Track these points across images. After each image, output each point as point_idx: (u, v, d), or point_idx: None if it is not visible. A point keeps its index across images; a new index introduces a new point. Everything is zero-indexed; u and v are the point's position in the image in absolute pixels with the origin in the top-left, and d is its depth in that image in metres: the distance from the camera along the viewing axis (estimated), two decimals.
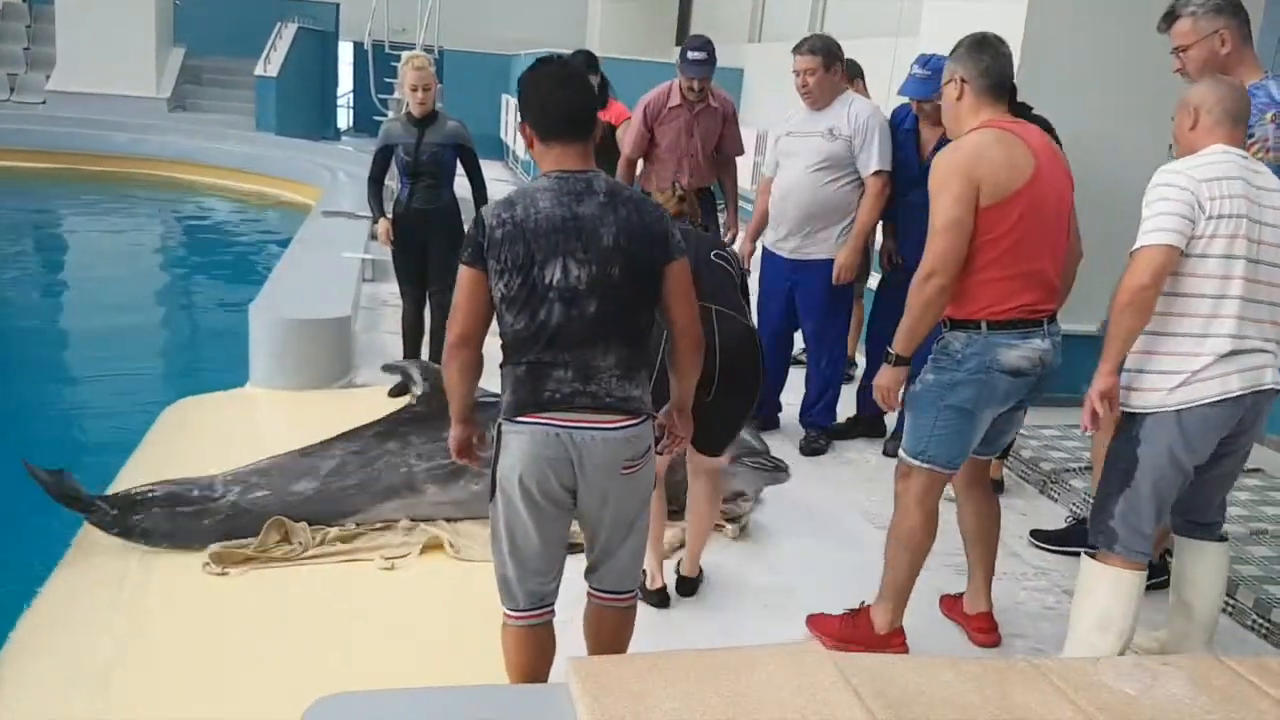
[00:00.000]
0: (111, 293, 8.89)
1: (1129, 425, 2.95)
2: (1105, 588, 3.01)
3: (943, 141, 4.53)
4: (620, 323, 2.44)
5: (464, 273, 2.44)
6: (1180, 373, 2.86)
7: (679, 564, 3.66)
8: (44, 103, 15.75)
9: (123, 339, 7.55)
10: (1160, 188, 2.83)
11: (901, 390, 3.18)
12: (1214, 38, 3.29)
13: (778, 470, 4.30)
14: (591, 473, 2.46)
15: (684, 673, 2.20)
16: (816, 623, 3.41)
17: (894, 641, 3.26)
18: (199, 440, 4.80)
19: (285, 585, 3.59)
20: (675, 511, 3.87)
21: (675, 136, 5.39)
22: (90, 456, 5.13)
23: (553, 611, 2.67)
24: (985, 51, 3.06)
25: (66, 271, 10.33)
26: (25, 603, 3.44)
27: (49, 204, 12.58)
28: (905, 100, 4.81)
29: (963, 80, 3.06)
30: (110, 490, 4.02)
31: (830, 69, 4.73)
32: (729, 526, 4.12)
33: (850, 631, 3.30)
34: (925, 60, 4.53)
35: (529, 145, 2.52)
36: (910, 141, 4.80)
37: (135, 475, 4.48)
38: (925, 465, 3.13)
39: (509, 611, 2.63)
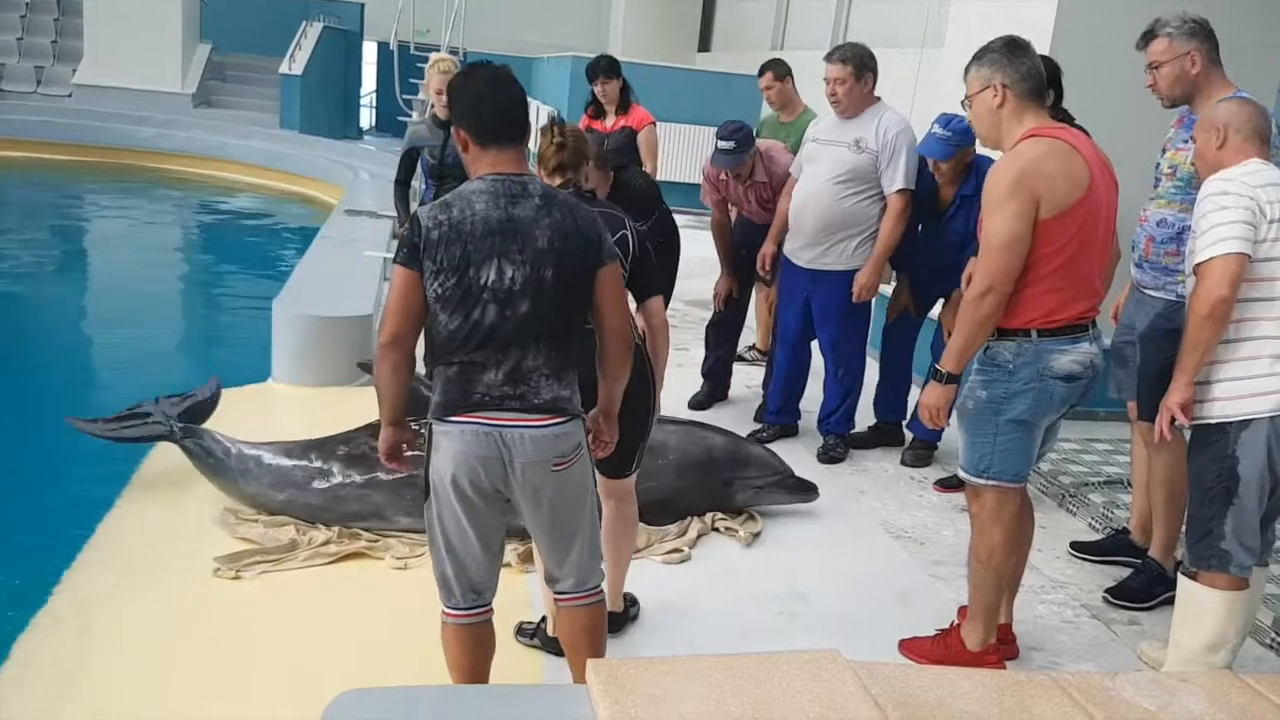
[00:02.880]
0: (134, 287, 8.94)
1: (1219, 440, 2.92)
2: (1220, 610, 2.98)
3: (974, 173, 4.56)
4: (551, 324, 2.48)
5: (398, 273, 2.46)
6: (1269, 375, 2.86)
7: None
8: (70, 96, 15.85)
9: (147, 334, 7.59)
10: (1217, 196, 2.84)
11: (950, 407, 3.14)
12: (1185, 58, 3.51)
13: (806, 490, 4.30)
14: (522, 470, 2.48)
15: (704, 677, 2.21)
16: (910, 646, 3.39)
17: (989, 658, 3.22)
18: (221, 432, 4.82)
19: (297, 586, 3.60)
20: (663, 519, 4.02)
21: (737, 197, 5.41)
22: (114, 447, 5.17)
23: (491, 610, 2.70)
24: (1023, 54, 3.01)
25: (89, 265, 10.38)
26: (39, 604, 3.45)
27: (73, 197, 12.65)
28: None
29: (1003, 85, 2.99)
30: None
31: (861, 79, 4.66)
32: (741, 534, 4.12)
33: (943, 652, 3.27)
34: (947, 121, 4.50)
35: (463, 149, 2.55)
36: (931, 199, 4.77)
37: (158, 466, 4.53)
38: (992, 482, 3.11)
39: (447, 610, 2.66)
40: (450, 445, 2.48)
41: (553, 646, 3.13)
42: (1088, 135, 3.42)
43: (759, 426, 5.29)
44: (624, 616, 3.40)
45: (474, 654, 2.69)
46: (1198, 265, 2.86)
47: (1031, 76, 3.00)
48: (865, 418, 5.30)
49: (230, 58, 17.55)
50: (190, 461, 4.20)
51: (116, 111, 14.86)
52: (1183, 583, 3.08)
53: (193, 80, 16.49)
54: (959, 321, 3.01)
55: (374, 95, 19.28)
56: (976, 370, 3.11)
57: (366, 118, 19.38)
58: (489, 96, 2.50)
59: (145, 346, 7.23)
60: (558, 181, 3.01)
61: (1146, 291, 3.71)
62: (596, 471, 3.10)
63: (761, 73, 6.02)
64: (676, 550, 3.95)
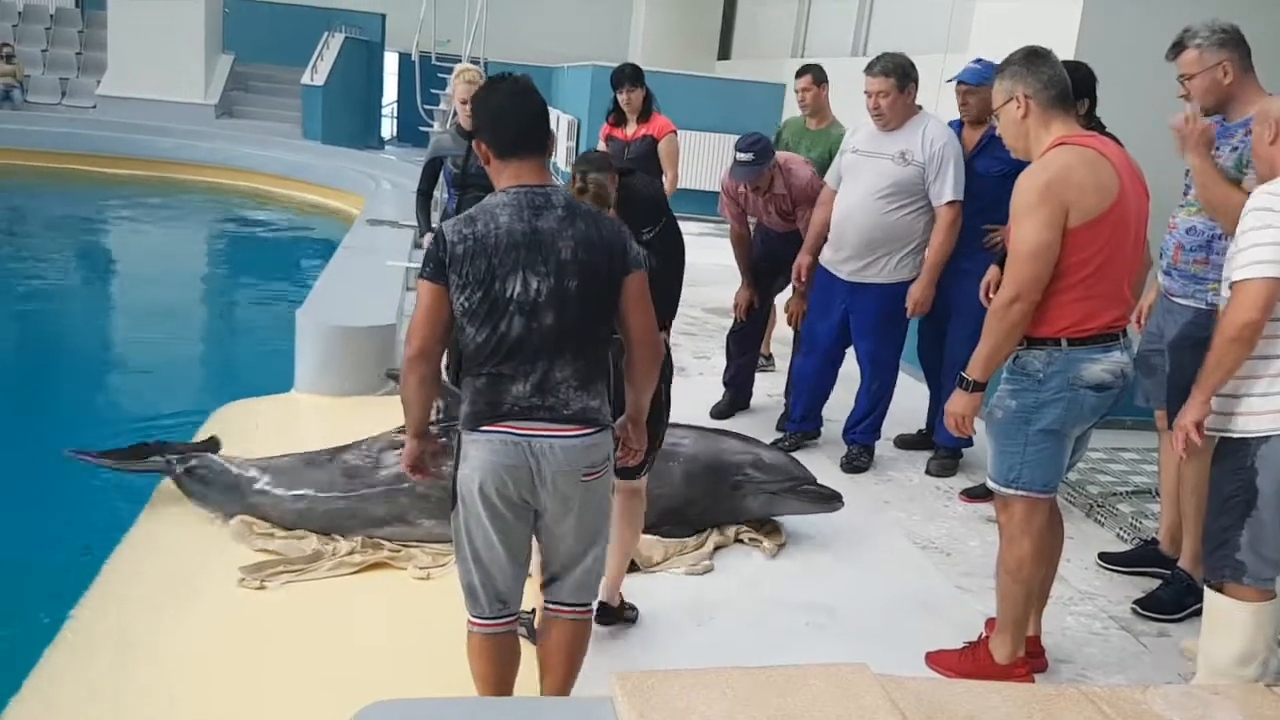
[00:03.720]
0: (157, 297, 9.01)
1: (1240, 452, 2.88)
2: (1246, 621, 2.93)
3: (1001, 156, 4.54)
4: (578, 334, 2.49)
5: (424, 288, 2.48)
6: None
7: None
8: (94, 107, 16.03)
9: (171, 343, 7.65)
10: (1262, 212, 2.77)
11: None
12: (1217, 69, 3.48)
13: (829, 499, 4.22)
14: (552, 480, 2.49)
15: (730, 689, 2.19)
16: (937, 659, 3.36)
17: (1017, 672, 3.18)
18: (245, 444, 4.84)
19: (321, 596, 3.60)
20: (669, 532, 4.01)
21: (757, 209, 5.36)
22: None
23: (517, 619, 2.71)
24: (1043, 63, 3.00)
25: (113, 274, 10.47)
26: (63, 618, 3.46)
27: (97, 207, 12.76)
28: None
29: (1026, 96, 2.98)
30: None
31: (904, 90, 4.58)
32: (765, 545, 4.10)
33: (971, 665, 3.24)
34: (980, 61, 4.57)
35: (485, 162, 2.56)
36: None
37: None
38: (1022, 493, 3.08)
39: (474, 619, 2.66)
40: (479, 455, 2.48)
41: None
42: (1118, 143, 3.40)
43: (780, 435, 5.25)
44: (619, 612, 3.41)
45: (499, 664, 2.69)
46: (1233, 283, 2.82)
47: (1054, 84, 2.98)
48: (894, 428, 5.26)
49: (253, 68, 17.70)
50: (191, 500, 4.18)
51: (140, 122, 15.04)
52: (1209, 595, 3.05)
53: (215, 91, 16.64)
54: (985, 330, 2.98)
55: (395, 105, 19.37)
56: (1006, 379, 3.09)
57: (388, 128, 19.47)
58: (509, 109, 2.51)
59: (169, 357, 7.28)
60: None
61: (1175, 299, 3.68)
62: None
63: (800, 74, 5.98)
64: (697, 562, 3.92)
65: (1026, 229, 2.87)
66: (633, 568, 3.80)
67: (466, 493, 2.52)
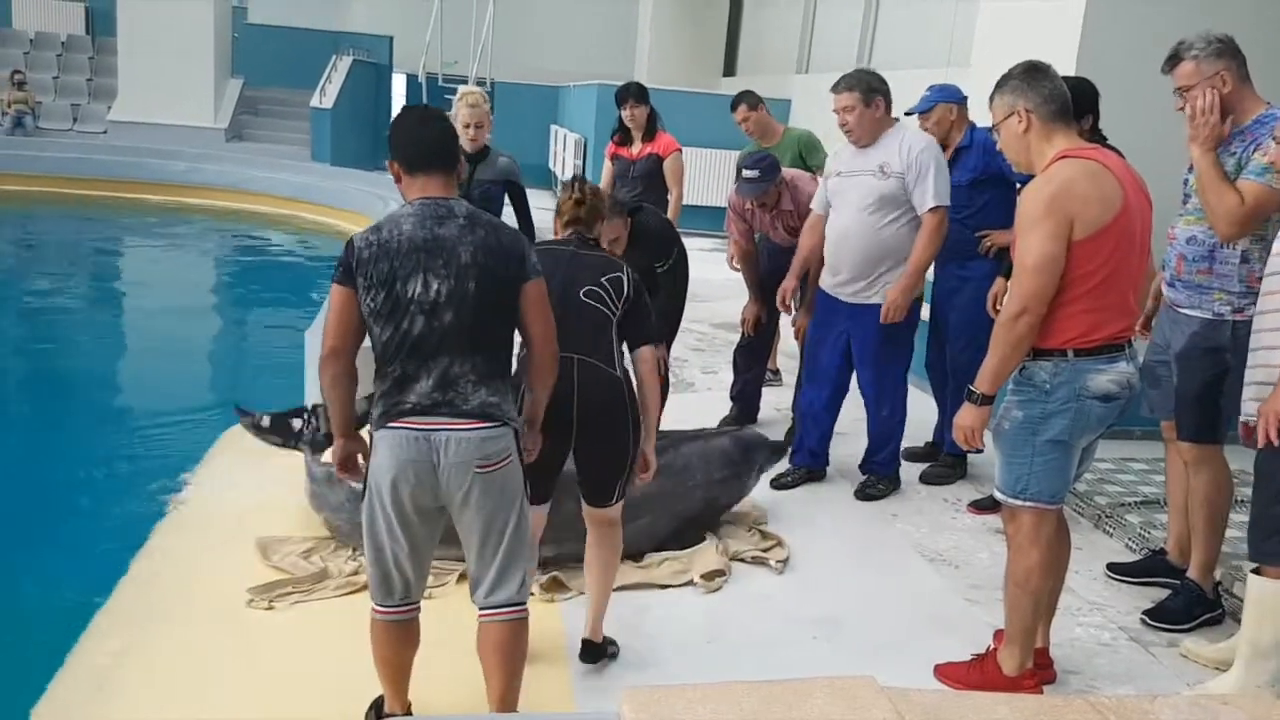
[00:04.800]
0: (169, 318, 9.05)
1: None
2: None
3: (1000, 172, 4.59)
4: (477, 333, 2.65)
5: (334, 291, 2.67)
6: None
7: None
8: (105, 132, 16.14)
9: (183, 364, 7.70)
10: None
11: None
12: (1215, 79, 3.48)
13: (781, 452, 4.51)
14: (447, 470, 2.62)
15: (737, 704, 2.19)
16: (945, 671, 3.36)
17: (1026, 683, 3.18)
18: (257, 464, 4.87)
19: (329, 615, 3.59)
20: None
21: (764, 225, 5.38)
22: (152, 476, 5.23)
23: (418, 607, 2.85)
24: (1043, 77, 3.03)
25: (126, 297, 10.52)
26: (77, 633, 3.49)
27: (108, 231, 12.85)
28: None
29: (1027, 111, 3.00)
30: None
31: (870, 104, 4.52)
32: (772, 562, 4.10)
33: (979, 677, 3.24)
34: (933, 86, 4.85)
35: (397, 180, 2.77)
36: None
37: (197, 494, 4.59)
38: (1030, 503, 3.09)
39: (377, 606, 2.80)
40: (386, 450, 2.64)
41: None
42: (1120, 155, 3.43)
43: (786, 469, 5.01)
44: (603, 649, 3.36)
45: (399, 648, 2.84)
46: None
47: (1055, 98, 3.01)
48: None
49: (262, 92, 17.81)
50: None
51: (150, 146, 15.11)
52: (1257, 582, 3.11)
53: (225, 115, 16.75)
54: (992, 343, 3.00)
55: None
56: (1013, 391, 3.10)
57: None
58: (415, 131, 2.75)
59: (179, 377, 7.33)
60: (569, 232, 3.23)
61: (1181, 310, 3.68)
62: (582, 499, 3.23)
63: (734, 106, 6.02)
64: (716, 573, 3.94)
65: (1032, 242, 2.89)
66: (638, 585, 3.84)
67: (375, 486, 2.66)
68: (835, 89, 4.63)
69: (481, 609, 2.78)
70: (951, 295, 4.88)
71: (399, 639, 2.82)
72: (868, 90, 4.53)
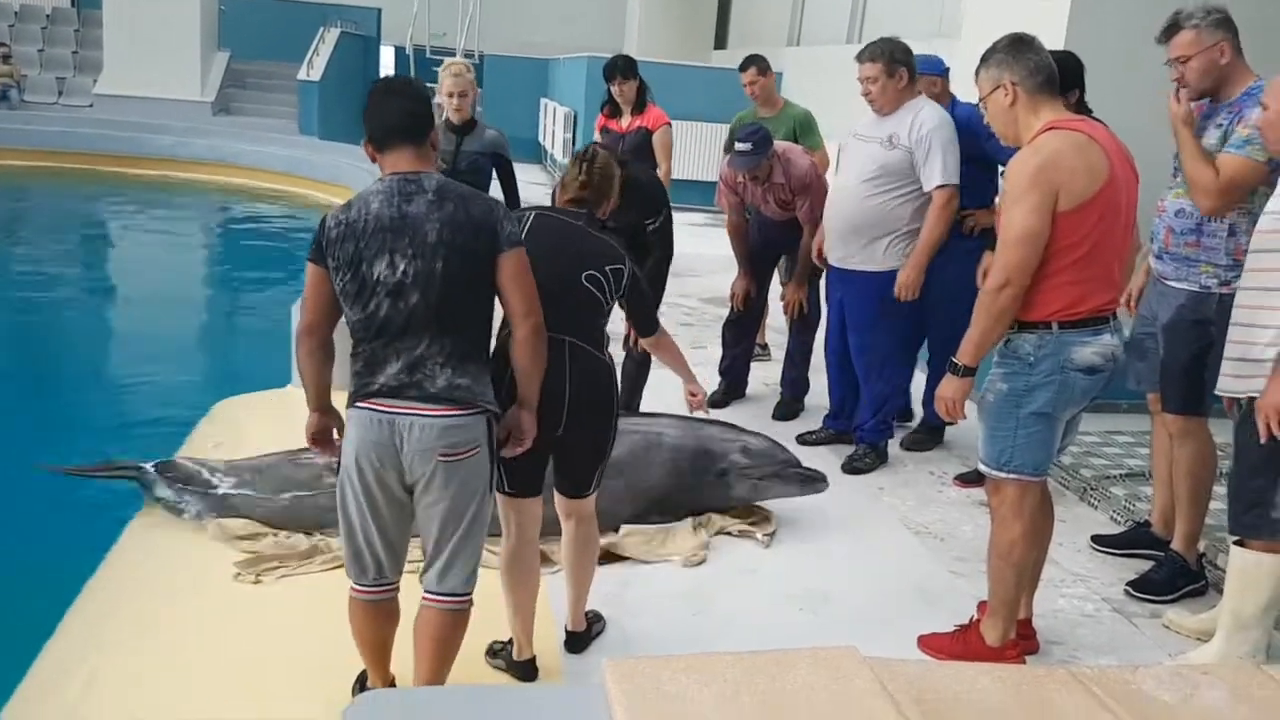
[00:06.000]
0: (155, 293, 9.03)
1: None
2: (1276, 574, 3.09)
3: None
4: (445, 314, 2.58)
5: (308, 269, 2.66)
6: None
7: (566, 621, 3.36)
8: (91, 106, 16.04)
9: (168, 340, 7.68)
10: None
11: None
12: (1214, 49, 3.50)
13: (814, 480, 4.22)
14: (410, 456, 2.59)
15: (720, 675, 2.20)
16: (929, 642, 3.38)
17: (1008, 654, 3.20)
18: (242, 439, 4.86)
19: (316, 590, 3.59)
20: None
21: (756, 199, 5.34)
22: (137, 453, 5.22)
23: (396, 587, 2.80)
24: (1029, 49, 3.01)
25: (112, 272, 10.49)
26: (60, 613, 3.49)
27: (96, 206, 12.79)
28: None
29: (1013, 84, 2.99)
30: None
31: (894, 75, 4.51)
32: (758, 535, 4.11)
33: (962, 648, 3.26)
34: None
35: (371, 159, 2.71)
36: None
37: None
38: (1013, 475, 3.10)
39: (354, 585, 2.78)
40: (353, 430, 2.62)
41: (518, 671, 3.13)
42: (1106, 127, 3.42)
43: (817, 429, 5.21)
44: (587, 635, 3.34)
45: (375, 627, 2.82)
46: None
47: (1040, 70, 3.00)
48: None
49: (249, 65, 17.70)
50: (161, 506, 4.08)
51: (137, 120, 15.00)
52: (1238, 554, 3.15)
53: (212, 88, 16.65)
54: (975, 315, 3.00)
55: None
56: (997, 363, 3.10)
57: None
58: (381, 105, 2.67)
59: (165, 353, 7.30)
60: (572, 208, 3.12)
61: (1168, 283, 3.68)
62: (555, 492, 3.14)
63: (744, 68, 6.01)
64: (695, 552, 3.93)
65: (1016, 215, 2.88)
66: (617, 558, 3.84)
67: (346, 464, 2.65)
68: (859, 57, 4.62)
69: (425, 593, 2.75)
70: (932, 271, 4.89)
71: (376, 618, 2.80)
72: (891, 61, 4.53)
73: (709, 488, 4.14)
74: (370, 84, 2.82)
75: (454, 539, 2.68)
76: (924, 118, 4.51)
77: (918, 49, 4.82)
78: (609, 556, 3.79)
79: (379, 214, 2.57)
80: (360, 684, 2.94)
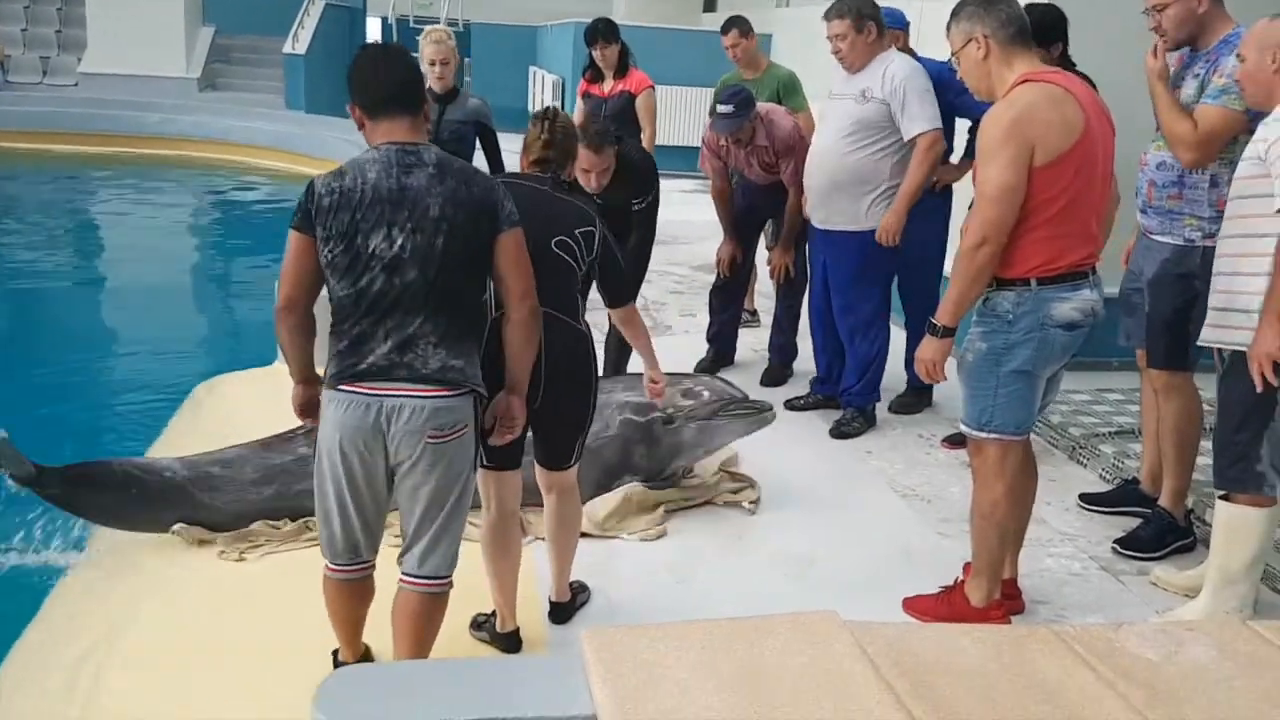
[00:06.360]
0: (142, 271, 8.99)
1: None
2: (1263, 526, 3.11)
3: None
4: (443, 292, 2.51)
5: (292, 238, 2.53)
6: None
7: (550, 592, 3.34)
8: (76, 85, 15.87)
9: (156, 317, 7.64)
10: None
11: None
12: None
13: (761, 413, 4.07)
14: (396, 437, 2.52)
15: (698, 642, 2.19)
16: (913, 604, 3.37)
17: (993, 614, 3.20)
18: (229, 417, 4.84)
19: (300, 566, 3.51)
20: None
21: (739, 162, 5.27)
22: (124, 430, 5.22)
23: (371, 565, 2.77)
24: (1000, 1, 2.95)
25: (100, 251, 10.43)
26: (44, 593, 3.50)
27: (83, 186, 12.69)
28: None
29: (985, 37, 2.93)
30: None
31: (862, 30, 4.46)
32: (745, 504, 4.08)
33: (947, 609, 3.26)
34: None
35: (360, 126, 2.60)
36: None
37: (166, 450, 4.54)
38: (994, 435, 3.07)
39: (329, 565, 2.74)
40: (335, 414, 2.53)
41: (502, 643, 3.12)
42: (1087, 80, 3.37)
43: (804, 393, 5.19)
44: (571, 606, 3.32)
45: (350, 606, 2.80)
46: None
47: (1012, 22, 2.94)
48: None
49: (234, 40, 17.50)
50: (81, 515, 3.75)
51: (123, 99, 14.87)
52: (1224, 508, 3.15)
53: (197, 64, 16.47)
54: (953, 274, 2.96)
55: None
56: (976, 321, 3.07)
57: None
58: (376, 71, 2.57)
59: (152, 331, 7.27)
60: (536, 170, 3.03)
61: (1153, 237, 3.66)
62: (535, 464, 3.10)
63: (726, 30, 5.94)
64: (649, 527, 3.86)
65: (991, 171, 2.84)
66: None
67: (324, 448, 2.58)
68: (827, 16, 4.57)
69: (405, 575, 2.70)
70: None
71: (350, 596, 2.77)
72: (859, 16, 4.48)
73: (661, 438, 3.99)
74: (360, 49, 2.69)
75: (438, 521, 2.64)
76: (895, 69, 4.46)
77: (903, 6, 4.76)
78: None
79: (377, 184, 2.47)
80: (335, 660, 2.92)
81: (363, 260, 2.47)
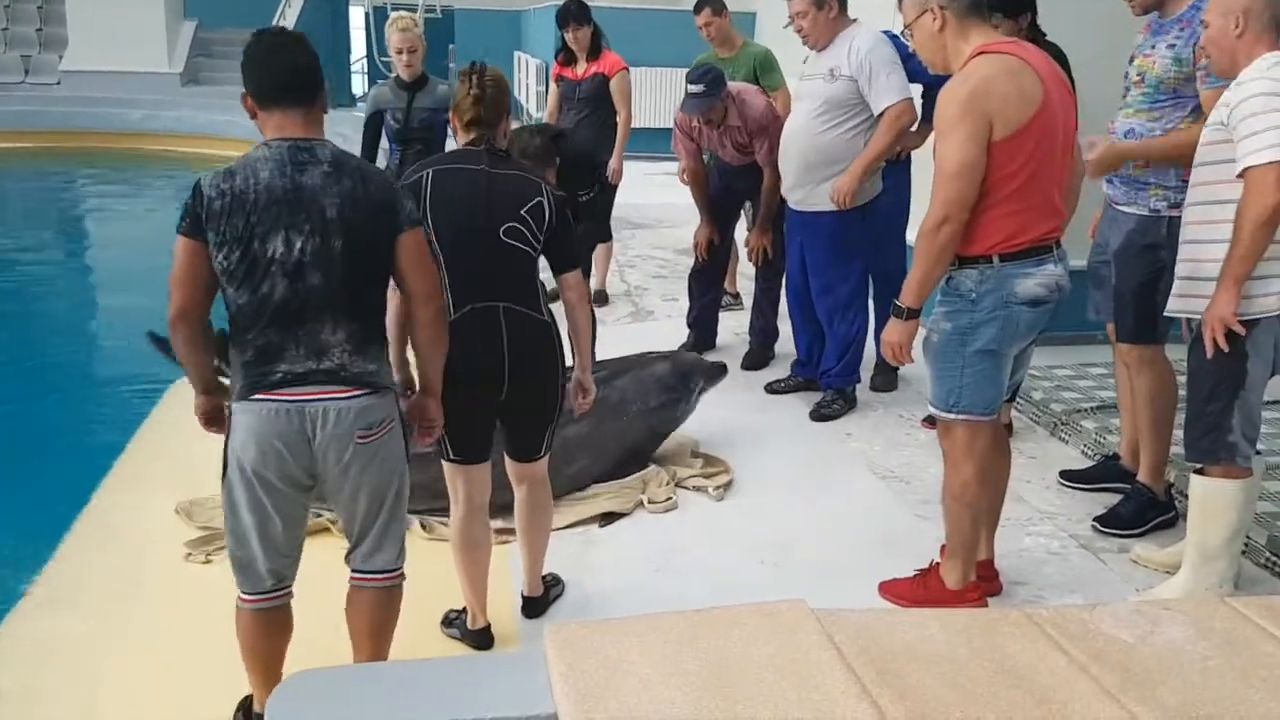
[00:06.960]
0: (128, 266, 8.91)
1: (1232, 337, 2.89)
2: (1240, 498, 3.08)
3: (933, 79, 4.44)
4: (347, 297, 2.39)
5: (181, 244, 2.37)
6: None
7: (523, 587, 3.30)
8: (58, 83, 15.77)
9: (137, 311, 7.56)
10: (1268, 97, 2.75)
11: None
12: None
13: (719, 375, 4.32)
14: (326, 442, 2.41)
15: (662, 636, 2.15)
16: (889, 588, 3.34)
17: (969, 596, 3.17)
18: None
19: None
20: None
21: (713, 143, 5.21)
22: (102, 427, 5.17)
23: (291, 593, 2.63)
24: None
25: (83, 249, 10.37)
26: (21, 588, 3.46)
27: (67, 184, 12.64)
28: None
29: (940, 7, 2.87)
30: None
31: (823, 6, 4.40)
32: (710, 491, 4.03)
33: (923, 592, 3.23)
34: None
35: (252, 116, 2.47)
36: None
37: (143, 448, 4.52)
38: (962, 416, 3.03)
39: (245, 595, 2.57)
40: (250, 425, 2.39)
41: (473, 640, 3.08)
42: (1062, 55, 3.32)
43: (785, 377, 5.14)
44: (544, 600, 3.28)
45: (272, 639, 2.62)
46: (1247, 170, 2.78)
47: None
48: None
49: (216, 33, 17.36)
50: None
51: (105, 96, 14.79)
52: (1199, 482, 3.12)
53: (179, 59, 16.36)
54: (916, 255, 2.91)
55: (365, 61, 19.09)
56: (940, 302, 3.02)
57: (359, 84, 19.19)
58: (268, 59, 2.44)
59: (135, 325, 7.18)
60: (472, 136, 2.87)
61: (1119, 208, 3.61)
62: (506, 457, 3.05)
63: (698, 10, 5.85)
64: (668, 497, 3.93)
65: (950, 147, 2.78)
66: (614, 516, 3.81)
67: (236, 465, 2.43)
68: None
69: (355, 572, 2.63)
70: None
71: (270, 628, 2.61)
72: None
73: (671, 420, 4.18)
74: (253, 35, 2.52)
75: (380, 517, 2.58)
76: (859, 43, 4.40)
77: None
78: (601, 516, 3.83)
79: (270, 184, 2.33)
80: (245, 712, 2.74)
81: (261, 266, 2.34)
